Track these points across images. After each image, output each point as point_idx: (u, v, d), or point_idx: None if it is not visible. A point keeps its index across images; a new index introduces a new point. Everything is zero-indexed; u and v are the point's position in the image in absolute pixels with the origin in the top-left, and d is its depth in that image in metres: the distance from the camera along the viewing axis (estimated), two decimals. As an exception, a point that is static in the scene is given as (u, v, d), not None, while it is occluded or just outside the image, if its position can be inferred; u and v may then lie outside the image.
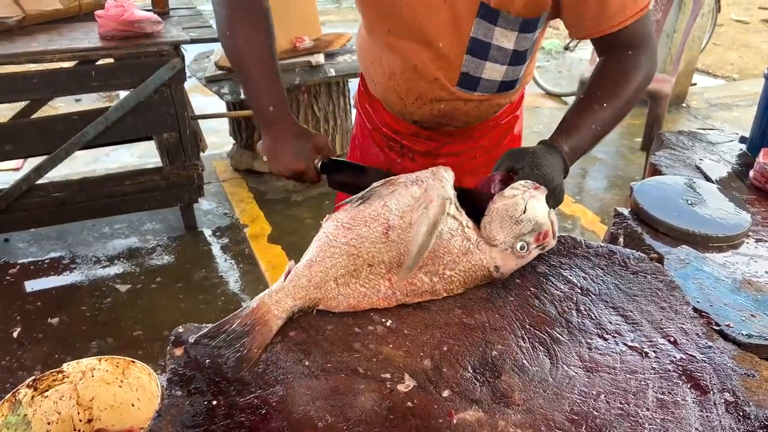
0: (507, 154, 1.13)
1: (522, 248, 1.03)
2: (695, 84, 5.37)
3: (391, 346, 0.93)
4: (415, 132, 1.44)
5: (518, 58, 1.25)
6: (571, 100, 4.58)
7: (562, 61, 6.34)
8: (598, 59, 1.26)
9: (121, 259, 3.03)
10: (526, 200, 1.03)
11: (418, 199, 1.03)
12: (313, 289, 0.97)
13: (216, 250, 3.15)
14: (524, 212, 1.03)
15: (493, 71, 1.26)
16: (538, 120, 4.82)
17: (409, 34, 1.23)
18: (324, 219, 1.05)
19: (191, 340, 0.92)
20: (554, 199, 1.09)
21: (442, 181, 1.05)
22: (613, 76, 1.19)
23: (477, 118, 1.40)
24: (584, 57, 5.88)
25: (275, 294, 0.96)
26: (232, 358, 0.89)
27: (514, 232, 1.03)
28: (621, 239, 1.31)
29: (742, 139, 1.77)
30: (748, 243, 1.28)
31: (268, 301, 0.95)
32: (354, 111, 1.65)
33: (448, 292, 1.02)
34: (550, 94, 5.35)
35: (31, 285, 2.85)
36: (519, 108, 1.52)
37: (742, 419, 0.83)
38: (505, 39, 1.21)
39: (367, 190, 1.04)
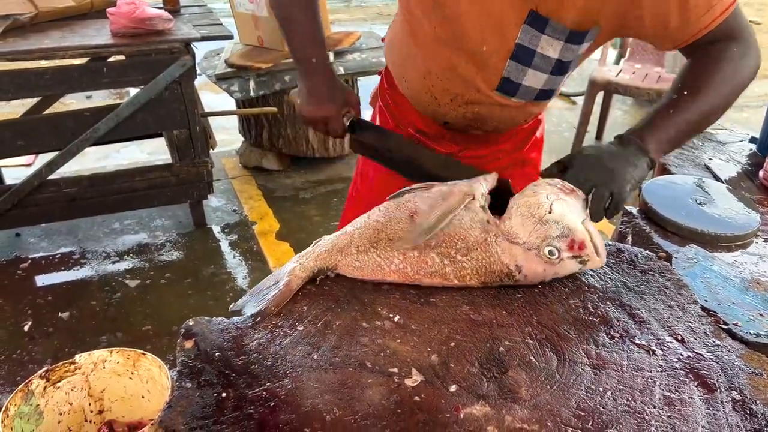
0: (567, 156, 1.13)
1: (551, 254, 1.00)
2: (706, 84, 5.34)
3: (398, 341, 0.93)
4: (441, 134, 1.43)
5: (561, 68, 1.24)
6: (580, 99, 4.56)
7: (572, 61, 6.32)
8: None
9: (131, 255, 3.05)
10: (550, 201, 1.01)
11: (444, 193, 1.08)
12: (336, 251, 1.05)
13: (225, 246, 3.17)
14: (549, 213, 1.00)
15: (534, 78, 1.25)
16: (547, 119, 4.79)
17: (455, 35, 1.22)
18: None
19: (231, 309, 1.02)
20: (612, 204, 1.04)
21: (475, 183, 1.08)
22: (703, 70, 1.12)
23: (508, 125, 1.41)
24: (594, 57, 5.86)
25: (301, 257, 1.05)
26: (252, 310, 0.98)
27: (539, 234, 1.00)
28: (629, 238, 1.31)
29: (752, 140, 1.77)
30: (757, 243, 1.28)
31: (294, 264, 1.03)
32: (369, 110, 1.64)
33: (460, 280, 1.02)
34: (559, 94, 5.34)
35: (42, 279, 2.87)
36: (540, 113, 1.53)
37: (749, 417, 0.83)
38: (550, 48, 1.19)
39: (406, 189, 1.11)
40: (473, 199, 1.06)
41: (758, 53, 1.15)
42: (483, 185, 1.09)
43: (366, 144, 1.24)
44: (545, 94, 1.31)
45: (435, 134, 1.44)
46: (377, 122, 1.57)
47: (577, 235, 1.01)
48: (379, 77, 1.57)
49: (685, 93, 1.10)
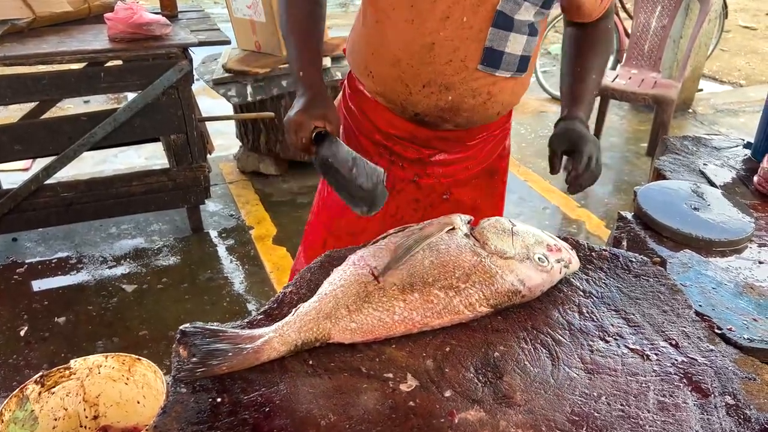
0: (558, 139, 1.30)
1: (541, 260, 1.02)
2: (701, 90, 5.36)
3: (393, 346, 0.94)
4: (410, 136, 1.40)
5: (533, 29, 1.29)
6: (577, 104, 4.57)
7: (569, 66, 6.34)
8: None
9: (128, 260, 3.05)
10: (507, 219, 1.07)
11: (420, 227, 1.07)
12: (323, 318, 0.93)
13: (222, 251, 3.16)
14: (514, 226, 1.05)
15: (516, 43, 1.27)
16: (543, 124, 4.82)
17: (433, 9, 1.22)
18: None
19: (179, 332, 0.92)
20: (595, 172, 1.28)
21: (450, 217, 1.08)
22: (596, 45, 1.40)
23: (480, 118, 1.38)
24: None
25: (280, 328, 0.92)
26: (197, 362, 0.87)
27: (519, 244, 1.03)
28: (624, 243, 1.31)
29: (747, 145, 1.78)
30: (751, 248, 1.29)
31: (272, 334, 0.91)
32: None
33: (471, 310, 0.98)
34: (556, 99, 5.35)
35: (39, 284, 2.86)
36: (509, 120, 1.53)
37: (742, 422, 0.84)
38: (526, 12, 1.23)
39: (380, 236, 1.08)
40: (453, 228, 1.05)
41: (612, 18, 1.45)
42: (460, 217, 1.08)
43: (326, 162, 1.16)
44: (524, 63, 1.32)
45: (403, 135, 1.41)
46: (344, 131, 1.51)
47: (546, 239, 1.06)
48: (341, 89, 1.55)
49: (591, 71, 1.38)
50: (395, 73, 1.32)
